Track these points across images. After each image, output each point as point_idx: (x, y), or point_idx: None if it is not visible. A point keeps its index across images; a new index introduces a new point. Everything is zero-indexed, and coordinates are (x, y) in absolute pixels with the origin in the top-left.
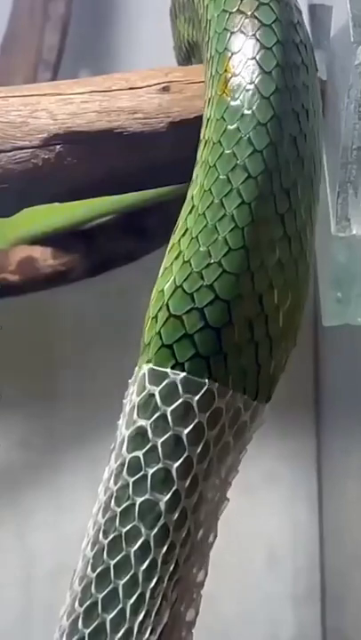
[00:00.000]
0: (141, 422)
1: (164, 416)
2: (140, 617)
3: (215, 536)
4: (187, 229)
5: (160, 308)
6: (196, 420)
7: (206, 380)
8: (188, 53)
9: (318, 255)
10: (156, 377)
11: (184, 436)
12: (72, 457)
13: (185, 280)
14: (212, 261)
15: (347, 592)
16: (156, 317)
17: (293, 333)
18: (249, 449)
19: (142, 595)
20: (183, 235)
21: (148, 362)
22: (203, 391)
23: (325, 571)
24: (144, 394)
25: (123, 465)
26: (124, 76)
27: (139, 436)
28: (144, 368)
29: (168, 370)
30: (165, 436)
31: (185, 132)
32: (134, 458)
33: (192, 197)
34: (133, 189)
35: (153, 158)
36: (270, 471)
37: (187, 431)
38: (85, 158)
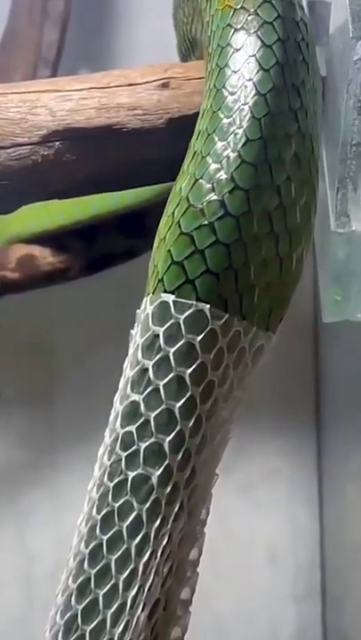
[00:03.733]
0: (134, 396)
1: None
2: (133, 592)
3: (208, 513)
4: (200, 132)
5: (178, 203)
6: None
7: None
8: (190, 48)
9: (318, 251)
10: (173, 276)
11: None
12: (71, 456)
13: (204, 173)
14: (230, 153)
15: (346, 591)
16: (173, 213)
17: (309, 232)
18: (249, 447)
19: (135, 569)
20: (198, 137)
21: (167, 252)
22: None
23: (326, 569)
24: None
25: (116, 440)
26: (123, 73)
27: (132, 412)
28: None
29: (185, 262)
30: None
31: (184, 128)
32: (127, 433)
33: (204, 107)
34: (132, 186)
35: (152, 154)
36: (270, 469)
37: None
38: (84, 155)
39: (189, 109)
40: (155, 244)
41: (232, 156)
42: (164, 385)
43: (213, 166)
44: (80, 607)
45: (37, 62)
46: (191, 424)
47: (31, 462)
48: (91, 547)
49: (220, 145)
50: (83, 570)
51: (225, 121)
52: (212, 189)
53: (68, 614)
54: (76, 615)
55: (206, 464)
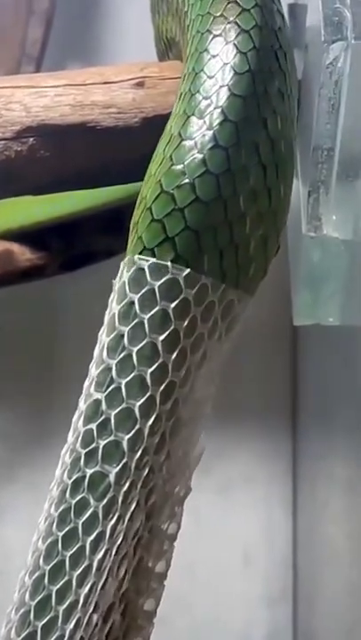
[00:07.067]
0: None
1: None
2: (86, 589)
3: (178, 528)
4: (187, 74)
5: (169, 140)
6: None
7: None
8: (167, 48)
9: (290, 255)
10: (161, 205)
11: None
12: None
13: (195, 109)
14: (219, 88)
15: (316, 593)
16: (164, 150)
17: (292, 166)
18: (227, 449)
19: (89, 567)
20: (185, 79)
21: (157, 183)
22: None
23: (298, 571)
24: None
25: (77, 438)
26: (98, 71)
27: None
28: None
29: (174, 191)
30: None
31: (158, 127)
32: (88, 430)
33: (188, 55)
34: (105, 184)
35: (126, 153)
36: (246, 472)
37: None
38: (58, 152)
39: (164, 109)
40: (144, 180)
41: (222, 90)
42: (126, 383)
43: (204, 102)
44: (33, 603)
45: (21, 58)
46: (150, 422)
47: (10, 460)
48: (47, 543)
49: (209, 82)
50: (38, 566)
51: (213, 60)
52: (204, 123)
53: (22, 610)
54: (30, 611)
55: (168, 467)
